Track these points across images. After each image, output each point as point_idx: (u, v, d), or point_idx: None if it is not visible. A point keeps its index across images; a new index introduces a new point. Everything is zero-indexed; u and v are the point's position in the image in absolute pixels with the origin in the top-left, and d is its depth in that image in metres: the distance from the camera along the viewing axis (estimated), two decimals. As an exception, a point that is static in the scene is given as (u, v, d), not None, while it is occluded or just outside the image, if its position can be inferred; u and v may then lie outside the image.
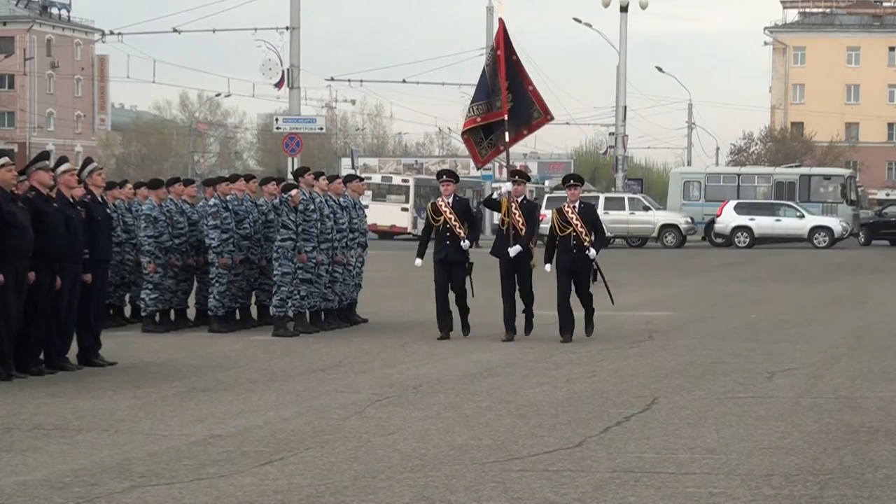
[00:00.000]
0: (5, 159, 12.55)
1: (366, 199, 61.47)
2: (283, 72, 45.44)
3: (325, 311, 17.60)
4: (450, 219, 16.39)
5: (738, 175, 56.46)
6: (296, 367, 13.76)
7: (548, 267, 16.25)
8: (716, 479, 8.25)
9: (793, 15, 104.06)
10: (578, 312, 16.12)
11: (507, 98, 16.88)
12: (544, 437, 9.64)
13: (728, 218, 49.23)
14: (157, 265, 17.21)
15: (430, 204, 17.02)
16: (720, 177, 56.47)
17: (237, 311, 17.79)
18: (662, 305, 21.96)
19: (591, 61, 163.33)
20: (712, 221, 50.19)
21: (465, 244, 16.34)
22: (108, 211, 14.74)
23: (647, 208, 50.55)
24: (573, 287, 16.02)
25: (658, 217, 50.21)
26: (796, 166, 61.98)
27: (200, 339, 16.42)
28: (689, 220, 50.27)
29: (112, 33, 52.72)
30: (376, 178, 58.30)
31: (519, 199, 16.33)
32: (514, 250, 16.02)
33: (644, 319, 18.96)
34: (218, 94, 78.98)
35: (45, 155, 13.58)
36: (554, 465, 8.61)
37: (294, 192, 16.97)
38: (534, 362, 14.10)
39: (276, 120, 48.83)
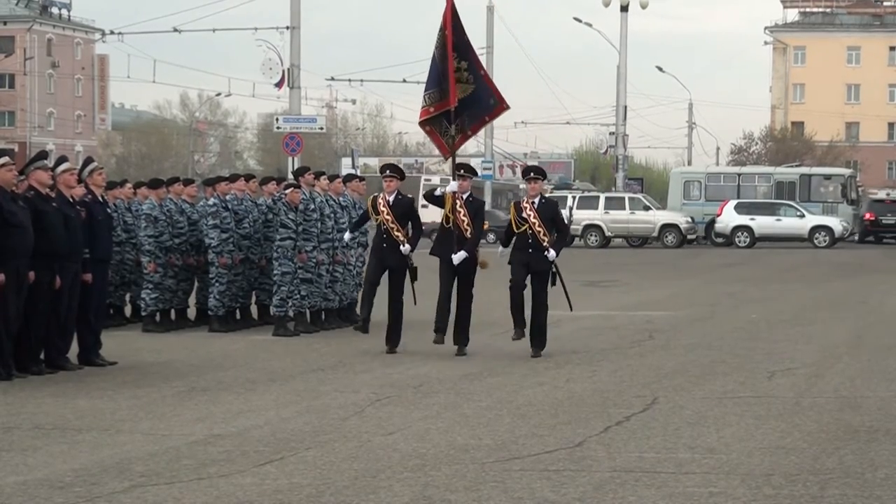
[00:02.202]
0: (5, 159, 12.56)
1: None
2: (283, 71, 45.39)
3: (326, 310, 17.61)
4: (387, 220, 14.92)
5: (739, 175, 56.46)
6: (296, 366, 13.77)
7: (501, 249, 14.90)
8: (716, 478, 8.25)
9: (793, 14, 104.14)
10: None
11: (454, 82, 15.23)
12: (544, 436, 9.64)
13: (728, 218, 49.24)
14: (157, 265, 17.22)
15: (371, 198, 15.48)
16: (720, 176, 56.47)
17: (237, 311, 17.80)
18: (662, 305, 21.95)
19: (591, 61, 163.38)
20: (713, 221, 50.22)
21: (406, 248, 14.91)
22: (109, 210, 14.75)
23: (647, 208, 50.55)
24: (530, 290, 14.51)
25: (658, 217, 50.21)
26: (796, 166, 62.00)
27: (201, 339, 16.42)
28: (690, 219, 50.27)
29: (112, 33, 52.67)
30: (435, 180, 59.63)
31: (464, 196, 14.84)
32: (457, 258, 14.56)
33: (644, 319, 18.95)
34: (218, 94, 78.88)
35: (43, 154, 13.58)
36: (554, 465, 8.61)
37: (290, 190, 16.99)
38: (534, 362, 14.09)
39: (277, 120, 48.76)
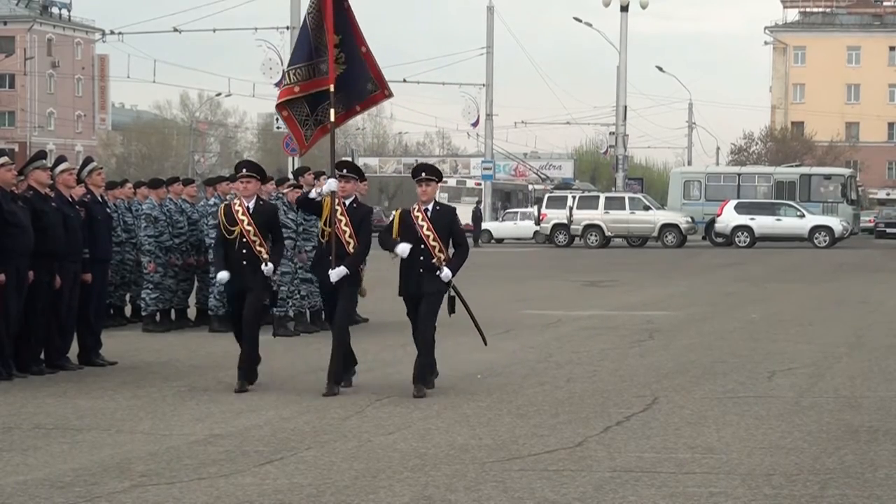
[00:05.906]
0: (5, 159, 12.56)
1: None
2: (282, 71, 45.36)
3: (326, 310, 17.59)
4: (247, 231, 12.09)
5: (739, 175, 56.55)
6: (296, 366, 13.75)
7: (402, 247, 11.69)
8: (716, 478, 8.25)
9: (793, 14, 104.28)
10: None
11: (334, 60, 12.21)
12: (545, 436, 9.64)
13: (728, 217, 49.27)
14: (157, 265, 17.23)
15: (223, 206, 12.64)
16: (720, 176, 56.56)
17: (237, 311, 17.78)
18: (662, 305, 21.95)
19: (591, 61, 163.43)
20: (713, 221, 50.23)
21: (268, 268, 12.10)
22: (108, 210, 14.75)
23: (647, 208, 50.58)
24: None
25: (658, 217, 50.23)
26: (796, 166, 62.06)
27: (201, 339, 16.42)
28: (690, 219, 50.29)
29: (112, 33, 52.77)
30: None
31: (347, 202, 11.94)
32: (336, 274, 11.66)
33: (644, 319, 18.95)
34: (218, 94, 79.01)
35: (42, 154, 13.58)
36: (554, 465, 8.61)
37: (288, 191, 16.98)
38: (534, 362, 14.09)
39: (277, 120, 48.71)
